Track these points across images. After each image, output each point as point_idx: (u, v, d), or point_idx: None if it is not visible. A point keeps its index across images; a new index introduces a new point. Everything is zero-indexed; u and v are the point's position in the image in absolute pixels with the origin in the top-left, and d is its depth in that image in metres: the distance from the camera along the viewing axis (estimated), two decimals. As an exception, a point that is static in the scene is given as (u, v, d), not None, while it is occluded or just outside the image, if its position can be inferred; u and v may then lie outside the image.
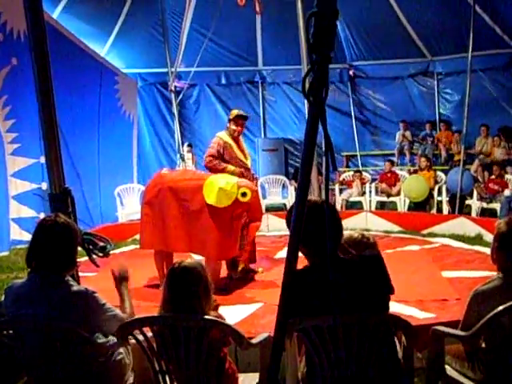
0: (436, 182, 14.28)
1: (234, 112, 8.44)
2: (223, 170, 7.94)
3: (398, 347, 3.57)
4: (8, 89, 10.77)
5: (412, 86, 18.28)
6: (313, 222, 3.20)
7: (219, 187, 7.19)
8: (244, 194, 7.26)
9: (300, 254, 3.04)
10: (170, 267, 3.65)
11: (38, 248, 3.67)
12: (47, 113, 4.70)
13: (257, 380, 3.73)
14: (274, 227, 12.36)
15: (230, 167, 8.05)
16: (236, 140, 8.38)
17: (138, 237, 9.68)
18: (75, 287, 3.62)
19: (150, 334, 3.39)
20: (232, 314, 3.85)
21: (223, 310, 3.91)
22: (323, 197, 11.60)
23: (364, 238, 4.30)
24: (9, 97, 10.83)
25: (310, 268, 3.42)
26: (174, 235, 7.51)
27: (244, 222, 7.50)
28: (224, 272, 7.89)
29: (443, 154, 16.89)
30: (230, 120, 8.42)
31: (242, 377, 3.79)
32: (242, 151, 8.44)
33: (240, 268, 7.96)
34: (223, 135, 8.31)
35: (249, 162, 8.55)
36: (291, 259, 2.78)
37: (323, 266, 3.16)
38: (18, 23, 10.74)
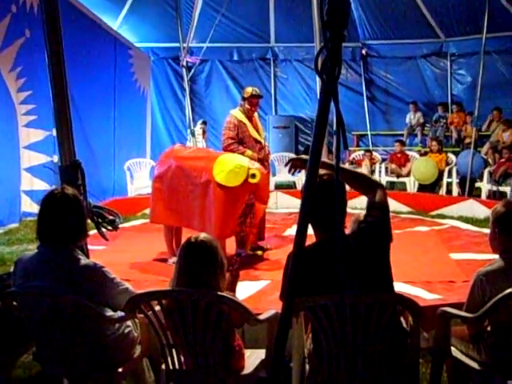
0: (447, 164, 14.22)
1: (249, 91, 8.38)
2: (241, 155, 7.92)
3: (404, 326, 3.59)
4: (22, 61, 10.76)
5: (425, 66, 18.21)
6: (323, 199, 3.23)
7: (230, 168, 7.19)
8: (253, 176, 7.24)
9: (309, 232, 3.04)
10: (187, 240, 3.61)
11: (45, 220, 3.68)
12: (59, 85, 4.70)
13: (263, 356, 3.76)
14: (282, 205, 12.39)
15: (248, 152, 8.02)
16: (250, 117, 8.36)
17: (147, 211, 9.74)
18: (83, 261, 3.64)
19: (157, 308, 3.41)
20: (239, 290, 3.85)
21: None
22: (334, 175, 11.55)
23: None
24: (23, 68, 10.82)
25: (317, 244, 3.44)
26: (182, 211, 7.52)
27: (249, 202, 7.53)
28: (232, 250, 7.90)
29: (454, 135, 16.79)
30: (244, 98, 8.38)
31: (248, 352, 3.81)
32: (256, 128, 8.42)
33: (248, 245, 7.97)
34: (237, 113, 8.28)
35: (263, 138, 8.54)
36: (300, 236, 2.78)
37: (331, 242, 3.18)
38: (31, -5, 10.73)
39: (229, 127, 8.19)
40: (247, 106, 8.29)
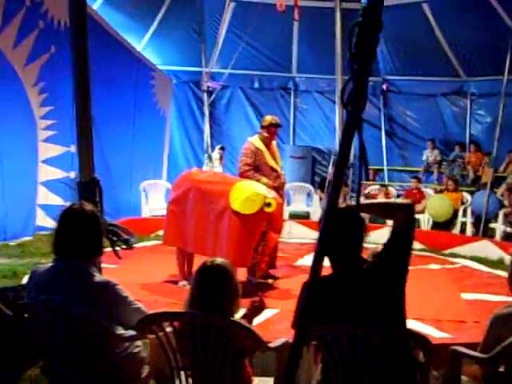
0: (462, 203, 14.17)
1: (268, 119, 8.43)
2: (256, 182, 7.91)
3: (415, 364, 3.56)
4: (45, 76, 10.89)
5: (444, 104, 18.20)
6: (341, 230, 3.24)
7: (246, 196, 7.21)
8: (269, 205, 7.25)
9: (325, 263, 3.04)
10: (203, 263, 3.61)
11: (62, 234, 3.69)
12: (82, 102, 4.76)
13: (271, 384, 3.74)
14: (296, 235, 12.34)
15: (264, 180, 8.04)
16: (268, 145, 8.39)
17: (160, 232, 9.75)
18: (98, 277, 3.64)
19: (169, 330, 3.40)
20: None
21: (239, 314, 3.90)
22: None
23: None
24: (46, 84, 10.94)
25: (333, 275, 3.44)
26: (195, 236, 7.53)
27: (262, 230, 7.52)
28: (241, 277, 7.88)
29: (471, 175, 16.76)
30: (263, 126, 8.43)
31: (256, 380, 3.79)
32: (274, 156, 8.44)
33: (258, 273, 7.94)
34: (255, 140, 8.32)
35: (279, 167, 8.56)
36: (316, 265, 2.78)
37: (347, 273, 3.18)
38: (58, 12, 10.90)
39: (246, 153, 8.23)
40: (266, 134, 8.34)
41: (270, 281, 8.20)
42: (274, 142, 8.61)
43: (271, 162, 8.33)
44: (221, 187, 7.52)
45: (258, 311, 3.85)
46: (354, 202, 3.27)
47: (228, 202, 7.25)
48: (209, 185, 7.62)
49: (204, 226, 7.46)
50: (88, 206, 3.80)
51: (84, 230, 3.67)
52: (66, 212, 3.75)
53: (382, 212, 3.73)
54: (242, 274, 7.61)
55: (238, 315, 3.67)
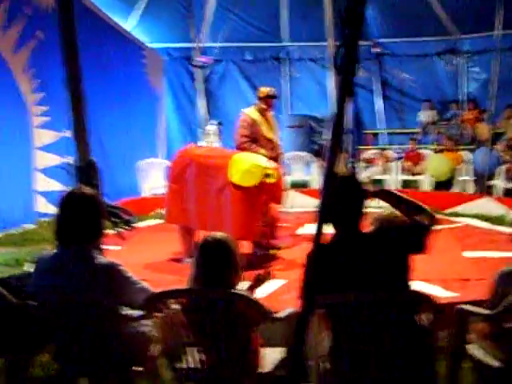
0: (461, 162, 14.16)
1: (264, 91, 8.39)
2: (255, 153, 7.89)
3: (423, 323, 3.57)
4: (36, 62, 10.82)
5: (439, 64, 18.12)
6: (339, 196, 3.24)
7: (245, 168, 7.19)
8: (268, 175, 7.24)
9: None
10: (203, 240, 3.62)
11: (63, 220, 3.69)
12: (74, 85, 4.75)
13: (279, 355, 3.75)
14: (296, 204, 12.35)
15: (262, 151, 8.02)
16: (264, 116, 8.36)
17: (161, 211, 9.75)
18: (101, 260, 3.64)
19: (175, 307, 3.41)
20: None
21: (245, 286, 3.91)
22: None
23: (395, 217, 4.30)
24: (37, 70, 10.88)
25: (335, 242, 3.44)
26: (197, 212, 7.53)
27: (264, 201, 7.51)
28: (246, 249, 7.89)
29: (469, 133, 16.72)
30: (259, 98, 8.39)
31: (265, 350, 3.81)
32: (271, 127, 8.41)
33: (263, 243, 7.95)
34: (251, 112, 8.28)
35: (276, 137, 8.53)
36: (319, 235, 2.78)
37: (348, 239, 3.19)
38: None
39: (243, 125, 8.20)
40: (263, 105, 8.30)
41: (272, 251, 8.18)
42: (271, 113, 8.57)
43: (267, 133, 8.30)
44: (220, 161, 7.48)
45: (262, 282, 3.85)
46: (352, 169, 3.26)
47: (227, 175, 7.23)
48: (208, 159, 7.59)
49: (205, 201, 7.44)
50: (87, 190, 3.80)
51: (84, 215, 3.67)
52: (66, 197, 3.75)
53: (400, 206, 3.72)
54: (245, 248, 7.64)
55: (243, 287, 3.67)
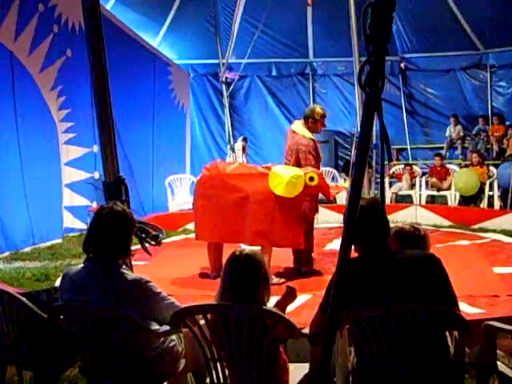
0: (488, 177, 14.07)
1: (320, 111, 8.13)
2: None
3: (449, 342, 3.55)
4: (63, 79, 10.98)
5: (464, 79, 18.05)
6: (363, 219, 3.20)
7: (288, 180, 7.28)
8: (312, 179, 7.33)
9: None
10: (231, 254, 3.61)
11: (95, 235, 3.72)
12: (102, 102, 4.78)
13: (306, 370, 3.75)
14: (323, 219, 12.32)
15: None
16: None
17: (188, 226, 9.79)
18: (130, 275, 3.66)
19: (202, 322, 3.42)
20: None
21: (272, 301, 3.91)
22: (373, 190, 11.58)
23: (416, 231, 4.27)
24: (64, 87, 11.03)
25: (361, 258, 3.43)
26: (232, 227, 7.56)
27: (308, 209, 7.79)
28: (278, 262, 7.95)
29: (495, 148, 16.63)
30: (314, 118, 8.14)
31: (291, 367, 3.80)
32: None
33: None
34: (308, 133, 8.09)
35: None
36: (345, 253, 2.78)
37: (374, 260, 3.18)
38: (72, 15, 10.97)
39: (310, 152, 7.91)
40: (320, 126, 8.20)
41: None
42: None
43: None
44: (255, 174, 7.62)
45: (291, 299, 3.84)
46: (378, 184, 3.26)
47: (266, 187, 7.35)
48: (239, 174, 7.67)
49: (237, 215, 7.49)
50: (119, 206, 3.84)
51: (115, 230, 3.70)
52: (98, 213, 3.80)
53: None
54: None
55: (270, 303, 3.68)
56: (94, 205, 11.18)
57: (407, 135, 18.44)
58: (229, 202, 7.52)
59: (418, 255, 3.51)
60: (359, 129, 2.77)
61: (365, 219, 3.26)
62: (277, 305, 3.68)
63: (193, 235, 8.37)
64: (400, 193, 14.99)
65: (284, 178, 7.29)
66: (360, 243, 3.43)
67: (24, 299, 3.94)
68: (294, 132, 8.14)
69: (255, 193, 7.41)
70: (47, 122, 10.85)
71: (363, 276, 3.32)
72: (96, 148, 10.97)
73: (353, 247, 3.37)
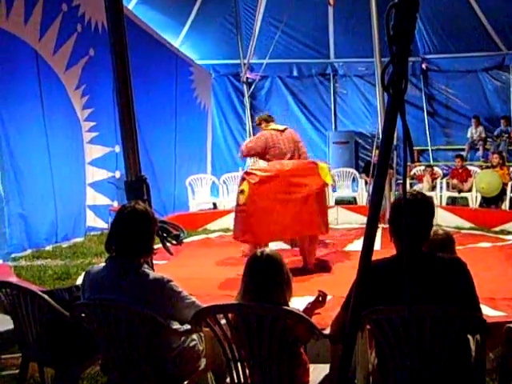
0: (510, 179, 13.97)
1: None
2: None
3: (471, 344, 3.53)
4: (86, 79, 11.06)
5: (486, 80, 17.95)
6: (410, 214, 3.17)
7: (327, 171, 8.03)
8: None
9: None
10: (252, 255, 3.62)
11: (117, 234, 3.75)
12: (125, 101, 4.80)
13: (327, 371, 3.75)
14: (343, 220, 12.31)
15: None
16: None
17: (208, 226, 9.81)
18: (152, 275, 3.68)
19: (223, 322, 3.43)
20: (301, 305, 3.85)
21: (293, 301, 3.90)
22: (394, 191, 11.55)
23: (445, 235, 4.27)
24: (87, 86, 11.11)
25: (389, 260, 3.42)
26: (298, 221, 7.77)
27: None
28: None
29: (518, 149, 16.54)
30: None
31: (312, 367, 3.80)
32: None
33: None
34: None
35: None
36: (367, 251, 2.78)
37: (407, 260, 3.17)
38: (95, 15, 11.05)
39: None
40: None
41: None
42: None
43: None
44: (308, 169, 7.94)
45: (320, 304, 3.84)
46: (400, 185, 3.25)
47: (319, 179, 7.81)
48: (296, 171, 7.86)
49: (303, 209, 7.75)
50: (141, 206, 3.86)
51: (137, 229, 3.72)
52: (120, 212, 3.81)
53: None
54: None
55: (293, 304, 3.68)
56: (115, 204, 11.25)
57: (428, 136, 18.36)
58: (297, 199, 7.70)
59: (446, 258, 3.50)
60: (381, 130, 2.77)
61: (414, 218, 3.24)
62: (305, 311, 3.68)
63: (213, 235, 8.38)
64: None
65: (327, 169, 7.96)
66: (398, 240, 3.42)
67: (47, 297, 3.97)
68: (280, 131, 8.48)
69: (314, 185, 7.77)
70: (73, 121, 10.94)
71: (391, 276, 3.30)
72: (118, 148, 11.02)
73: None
